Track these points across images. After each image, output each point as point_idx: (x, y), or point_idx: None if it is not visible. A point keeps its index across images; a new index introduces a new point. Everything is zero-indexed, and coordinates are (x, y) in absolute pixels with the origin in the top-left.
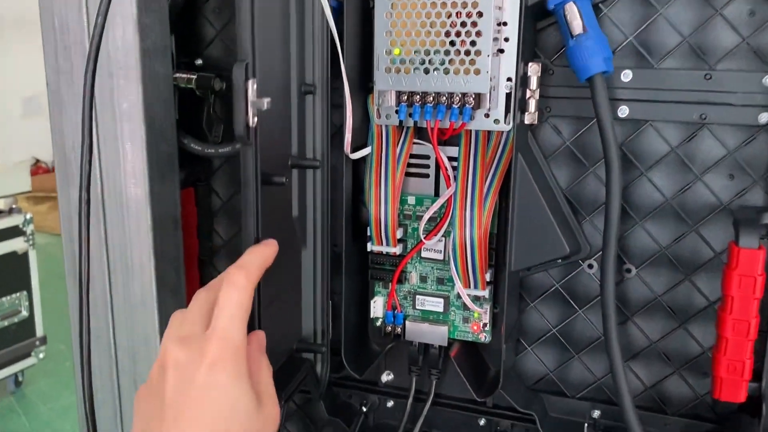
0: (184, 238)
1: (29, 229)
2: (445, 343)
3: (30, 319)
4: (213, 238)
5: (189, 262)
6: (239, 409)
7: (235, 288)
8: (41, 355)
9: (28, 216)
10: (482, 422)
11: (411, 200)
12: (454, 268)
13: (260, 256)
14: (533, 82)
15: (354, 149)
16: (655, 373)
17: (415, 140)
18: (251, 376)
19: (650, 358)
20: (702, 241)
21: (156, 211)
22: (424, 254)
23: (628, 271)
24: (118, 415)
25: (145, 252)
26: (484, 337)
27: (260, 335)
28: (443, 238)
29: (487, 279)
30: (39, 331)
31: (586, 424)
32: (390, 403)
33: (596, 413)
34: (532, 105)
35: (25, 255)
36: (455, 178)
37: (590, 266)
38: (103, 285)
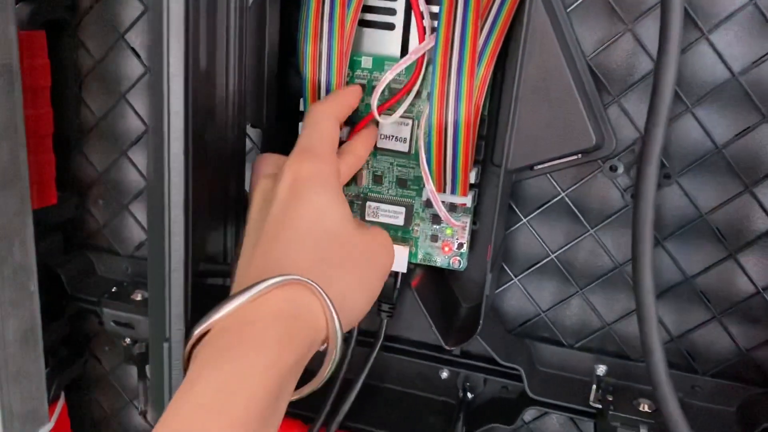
0: (32, 105)
1: None
2: (404, 269)
3: None
4: (80, 111)
5: (39, 141)
6: (338, 219)
7: (313, 110)
8: None
9: None
10: (445, 375)
11: (366, 62)
12: (425, 162)
13: (346, 92)
14: None
15: None
16: (686, 319)
17: None
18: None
19: (682, 298)
20: None
21: None
22: (381, 143)
23: (667, 177)
24: None
25: None
26: (458, 263)
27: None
28: (408, 120)
29: (471, 181)
30: None
31: (594, 386)
32: (322, 347)
33: (601, 369)
34: None
35: None
36: (436, 30)
37: (613, 168)
38: None
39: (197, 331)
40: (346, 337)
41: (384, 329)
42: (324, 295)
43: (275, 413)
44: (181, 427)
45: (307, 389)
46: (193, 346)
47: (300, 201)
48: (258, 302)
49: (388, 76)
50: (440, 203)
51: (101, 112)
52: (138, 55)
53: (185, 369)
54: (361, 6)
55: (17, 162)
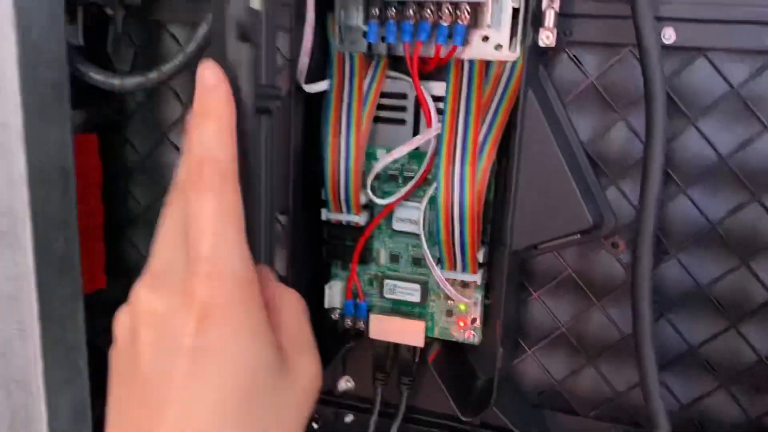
0: (85, 200)
1: None
2: (421, 344)
3: None
4: (128, 201)
5: (90, 232)
6: (255, 372)
7: (208, 192)
8: None
9: None
10: None
11: (381, 154)
12: (427, 252)
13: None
14: None
15: (308, 82)
16: (693, 387)
17: (389, 73)
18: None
19: (688, 367)
20: (767, 215)
21: (34, 159)
22: (396, 226)
23: (665, 252)
24: None
25: (19, 213)
26: (473, 337)
27: (264, 268)
28: (419, 203)
29: (480, 260)
30: None
31: None
32: (349, 418)
33: None
34: (549, 18)
35: None
36: (442, 122)
37: (614, 245)
38: None
39: None
40: None
41: (404, 401)
42: None
43: None
44: None
45: None
46: None
47: (212, 354)
48: None
49: (394, 155)
50: (447, 285)
51: (146, 203)
52: (178, 149)
53: None
54: (376, 104)
55: (71, 252)
